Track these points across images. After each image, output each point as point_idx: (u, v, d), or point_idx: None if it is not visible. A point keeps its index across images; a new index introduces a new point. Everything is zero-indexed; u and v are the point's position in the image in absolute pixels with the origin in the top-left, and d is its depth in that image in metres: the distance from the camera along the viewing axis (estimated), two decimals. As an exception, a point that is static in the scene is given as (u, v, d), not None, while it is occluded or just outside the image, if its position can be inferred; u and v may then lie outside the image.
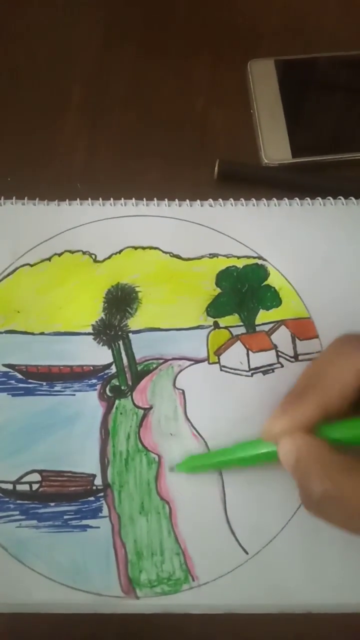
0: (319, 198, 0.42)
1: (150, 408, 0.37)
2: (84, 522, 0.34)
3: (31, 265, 0.40)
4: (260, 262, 0.41)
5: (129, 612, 0.33)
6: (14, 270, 0.40)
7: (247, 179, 0.44)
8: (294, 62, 0.48)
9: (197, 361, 0.38)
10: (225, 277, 0.40)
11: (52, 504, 0.35)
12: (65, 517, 0.34)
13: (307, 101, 0.47)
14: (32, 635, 0.34)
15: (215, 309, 0.39)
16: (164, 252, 0.41)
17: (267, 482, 0.35)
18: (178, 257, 0.41)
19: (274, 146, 0.44)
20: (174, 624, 0.33)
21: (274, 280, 0.40)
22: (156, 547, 0.34)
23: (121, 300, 0.40)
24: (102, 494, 0.35)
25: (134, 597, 0.33)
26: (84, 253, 0.41)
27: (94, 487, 0.35)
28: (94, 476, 0.35)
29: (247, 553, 0.34)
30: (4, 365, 0.37)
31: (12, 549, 0.33)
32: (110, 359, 0.38)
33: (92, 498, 0.35)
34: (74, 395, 0.37)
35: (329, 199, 0.42)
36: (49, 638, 0.33)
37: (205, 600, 0.33)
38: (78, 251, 0.41)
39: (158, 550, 0.34)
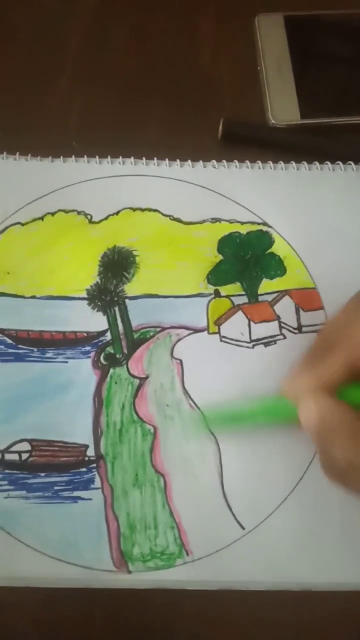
0: (328, 163, 0.40)
1: (146, 378, 0.35)
2: (75, 493, 0.33)
3: (22, 225, 0.38)
4: (264, 228, 0.39)
5: (120, 587, 0.32)
6: (4, 230, 0.38)
7: (252, 140, 0.42)
8: (304, 18, 0.45)
9: (196, 330, 0.36)
10: (227, 244, 0.38)
11: (42, 474, 0.33)
12: (56, 488, 0.33)
13: (318, 60, 0.44)
14: (20, 610, 0.33)
15: (217, 276, 0.38)
16: (163, 214, 0.39)
17: (266, 456, 0.33)
18: (178, 220, 0.39)
19: (282, 106, 0.42)
20: (167, 600, 0.33)
21: (278, 248, 0.38)
22: (150, 520, 0.33)
23: (117, 264, 0.38)
24: (94, 465, 0.33)
25: (126, 571, 0.32)
26: (79, 213, 0.38)
27: (86, 458, 0.33)
28: (87, 447, 0.34)
29: (243, 528, 0.32)
30: (-7, 329, 0.36)
31: (0, 520, 0.32)
32: (105, 326, 0.36)
33: (84, 469, 0.33)
34: (67, 362, 0.35)
35: (338, 164, 0.40)
36: (37, 613, 0.32)
37: (200, 576, 0.32)
38: (73, 211, 0.39)
39: (152, 523, 0.32)
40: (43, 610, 0.32)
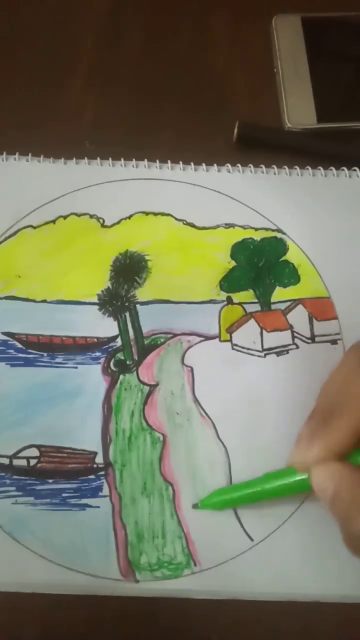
0: (345, 168, 0.40)
1: (157, 385, 0.35)
2: (84, 501, 0.33)
3: (34, 228, 0.38)
4: (279, 235, 0.38)
5: (127, 595, 0.32)
6: (16, 232, 0.37)
7: (268, 144, 0.41)
8: (322, 19, 0.44)
9: (207, 338, 0.36)
10: (241, 250, 0.38)
11: (51, 480, 0.33)
12: (64, 495, 0.33)
13: (335, 62, 0.43)
14: (27, 616, 0.32)
15: (229, 283, 0.37)
16: (176, 219, 0.38)
17: (276, 468, 0.33)
18: (192, 225, 0.38)
19: (298, 110, 0.41)
20: (176, 606, 0.32)
21: (292, 255, 0.38)
22: (158, 529, 0.32)
23: (129, 269, 0.37)
24: (103, 473, 0.33)
25: (133, 580, 0.31)
26: (91, 217, 0.38)
27: (95, 465, 0.33)
28: (95, 454, 0.33)
29: (252, 540, 0.32)
30: (3, 333, 0.35)
31: (7, 526, 0.32)
32: (115, 331, 0.36)
33: (92, 476, 0.33)
34: (76, 368, 0.35)
35: (355, 170, 0.40)
36: (44, 619, 0.32)
37: (207, 586, 0.32)
38: (85, 214, 0.38)
39: (160, 532, 0.32)
40: (51, 615, 0.32)
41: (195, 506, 0.33)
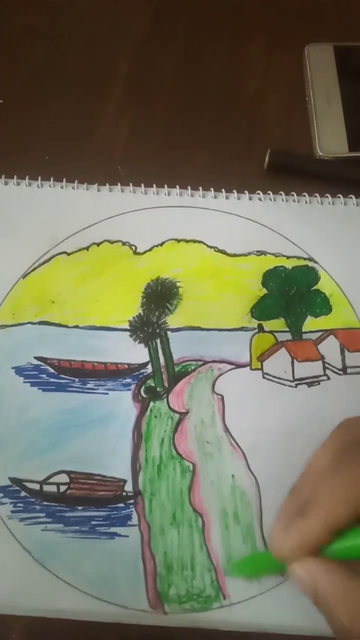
0: (377, 198, 0.40)
1: (187, 413, 0.35)
2: (112, 529, 0.32)
3: (68, 254, 0.38)
4: (310, 264, 0.38)
5: (155, 625, 0.32)
6: (51, 258, 0.38)
7: (299, 172, 0.41)
8: (355, 48, 0.44)
9: (238, 366, 0.36)
10: (272, 278, 0.38)
11: (80, 507, 0.33)
12: (93, 522, 0.33)
13: (368, 91, 0.44)
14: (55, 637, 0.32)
15: (261, 310, 0.37)
16: (208, 246, 0.39)
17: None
18: (223, 252, 0.39)
19: (330, 138, 0.41)
20: (200, 633, 0.32)
21: (324, 285, 0.38)
22: (187, 561, 0.32)
23: (161, 296, 0.37)
24: (132, 501, 0.33)
25: (161, 612, 0.31)
26: (123, 244, 0.38)
27: (124, 493, 0.33)
28: (125, 481, 0.33)
29: (282, 574, 0.32)
30: (36, 358, 0.36)
31: (37, 553, 0.32)
32: (146, 358, 0.36)
33: (121, 504, 0.33)
34: (107, 394, 0.35)
35: (387, 200, 0.40)
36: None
37: (236, 620, 0.31)
38: (118, 241, 0.39)
39: (189, 564, 0.32)
40: (79, 635, 0.32)
41: (225, 573, 0.32)
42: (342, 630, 0.25)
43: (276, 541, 0.27)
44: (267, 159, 0.41)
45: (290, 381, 0.35)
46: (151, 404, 0.35)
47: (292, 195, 0.40)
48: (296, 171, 0.42)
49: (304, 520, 0.26)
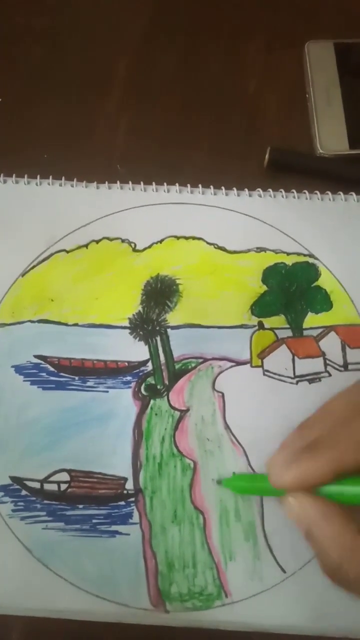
0: (378, 195, 0.40)
1: (187, 410, 0.35)
2: (113, 527, 0.32)
3: (67, 252, 0.38)
4: (311, 260, 0.38)
5: (157, 624, 0.31)
6: (50, 256, 0.38)
7: (299, 170, 0.41)
8: (355, 45, 0.44)
9: (238, 363, 0.36)
10: (272, 274, 0.38)
11: (81, 506, 0.33)
12: (94, 521, 0.33)
13: (368, 88, 0.43)
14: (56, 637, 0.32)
15: (261, 308, 0.37)
16: (208, 243, 0.39)
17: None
18: (223, 249, 0.38)
19: (330, 135, 0.41)
20: (203, 637, 0.32)
21: (325, 281, 0.37)
22: (188, 559, 0.32)
23: (160, 293, 0.37)
24: (133, 499, 0.33)
25: (163, 610, 0.31)
26: (122, 241, 0.38)
27: (125, 492, 0.33)
28: (125, 480, 0.33)
29: (284, 572, 0.32)
30: (35, 356, 0.35)
31: (37, 551, 0.32)
32: (146, 356, 0.36)
33: (122, 503, 0.33)
34: (107, 392, 0.35)
35: (388, 196, 0.39)
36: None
37: (238, 618, 0.31)
38: (117, 239, 0.38)
39: (190, 562, 0.32)
40: (80, 635, 0.32)
41: (218, 482, 0.33)
42: (330, 566, 0.26)
43: (277, 470, 0.28)
44: (267, 157, 0.41)
45: (291, 378, 0.35)
46: (152, 401, 0.35)
47: (292, 192, 0.40)
48: (296, 169, 0.41)
49: (312, 456, 0.27)
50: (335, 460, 0.27)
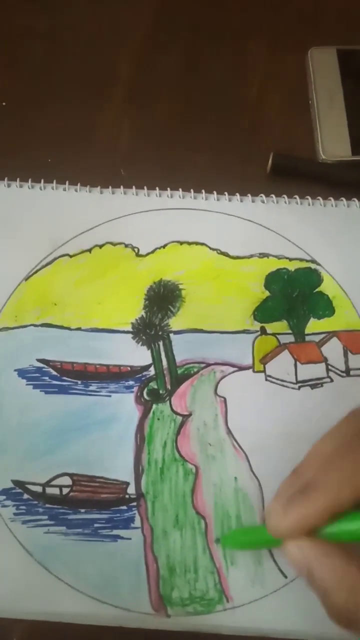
0: (380, 201, 0.40)
1: (189, 415, 0.35)
2: (115, 532, 0.32)
3: (70, 256, 0.38)
4: (313, 266, 0.38)
5: (158, 629, 0.31)
6: (53, 260, 0.38)
7: (302, 175, 0.41)
8: (358, 52, 0.44)
9: (241, 368, 0.36)
10: (275, 280, 0.38)
11: (82, 510, 0.33)
12: (96, 525, 0.33)
13: (371, 94, 0.44)
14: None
15: (263, 313, 0.37)
16: (211, 248, 0.39)
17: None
18: (226, 254, 0.39)
19: (333, 141, 0.41)
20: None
21: (327, 287, 0.38)
22: (190, 563, 0.32)
23: (163, 298, 0.37)
24: (135, 504, 0.33)
25: (164, 615, 0.31)
26: (126, 246, 0.38)
27: (127, 496, 0.33)
28: (127, 484, 0.33)
29: (285, 577, 0.32)
30: (38, 360, 0.36)
31: (39, 555, 0.32)
32: (149, 360, 0.36)
33: (124, 507, 0.33)
34: (110, 396, 0.35)
35: (390, 202, 0.40)
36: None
37: (239, 623, 0.31)
38: (120, 243, 0.39)
39: (192, 567, 0.32)
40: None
41: (217, 541, 0.32)
42: (337, 609, 0.26)
43: (274, 518, 0.27)
44: (270, 162, 0.41)
45: (293, 383, 0.35)
46: (154, 406, 0.35)
47: (295, 198, 0.40)
48: (299, 175, 0.42)
49: (306, 500, 0.26)
50: (329, 500, 0.26)
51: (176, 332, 0.37)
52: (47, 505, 0.33)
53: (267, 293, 0.38)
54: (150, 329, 0.37)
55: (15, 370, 0.35)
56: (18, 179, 0.40)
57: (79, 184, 0.40)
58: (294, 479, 0.28)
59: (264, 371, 0.36)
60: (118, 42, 0.47)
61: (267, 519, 0.28)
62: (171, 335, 0.37)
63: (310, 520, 0.26)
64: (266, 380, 0.35)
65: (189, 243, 0.39)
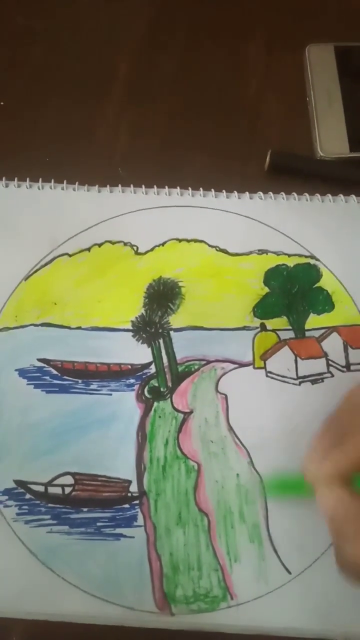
0: (378, 196, 0.40)
1: (191, 412, 0.35)
2: (118, 530, 0.32)
3: (70, 255, 0.38)
4: (312, 262, 0.38)
5: (162, 628, 0.31)
6: (52, 260, 0.38)
7: (300, 172, 0.41)
8: (355, 49, 0.44)
9: (241, 365, 0.36)
10: (274, 276, 0.38)
11: (85, 509, 0.33)
12: (99, 524, 0.32)
13: (368, 91, 0.44)
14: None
15: (263, 309, 0.37)
16: (209, 245, 0.39)
17: (314, 498, 0.32)
18: (225, 251, 0.38)
19: (331, 138, 0.41)
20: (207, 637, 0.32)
21: (326, 282, 0.38)
22: (193, 561, 0.32)
23: (163, 296, 0.37)
24: (137, 502, 0.33)
25: (168, 613, 0.31)
26: (125, 244, 0.38)
27: (129, 494, 0.33)
28: (130, 482, 0.33)
29: (289, 573, 0.32)
30: (39, 360, 0.36)
31: (42, 555, 0.32)
32: (149, 358, 0.36)
33: (126, 505, 0.33)
34: (111, 395, 0.35)
35: (388, 198, 0.40)
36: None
37: (244, 621, 0.31)
38: (119, 242, 0.38)
39: (195, 564, 0.32)
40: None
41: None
42: (350, 557, 0.27)
43: (313, 465, 0.29)
44: (268, 159, 0.41)
45: (294, 379, 0.35)
46: (155, 404, 0.35)
47: (293, 194, 0.40)
48: (297, 172, 0.42)
49: (340, 449, 0.28)
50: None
51: (176, 330, 0.37)
52: (50, 505, 0.33)
53: (267, 289, 0.38)
54: (151, 326, 0.37)
55: (16, 370, 0.35)
56: (16, 179, 0.40)
57: (77, 183, 0.40)
58: (328, 428, 0.29)
59: (264, 367, 0.36)
60: (116, 41, 0.47)
61: (306, 466, 0.29)
62: (171, 332, 0.36)
63: (348, 464, 0.27)
64: (267, 376, 0.35)
65: (188, 240, 0.39)
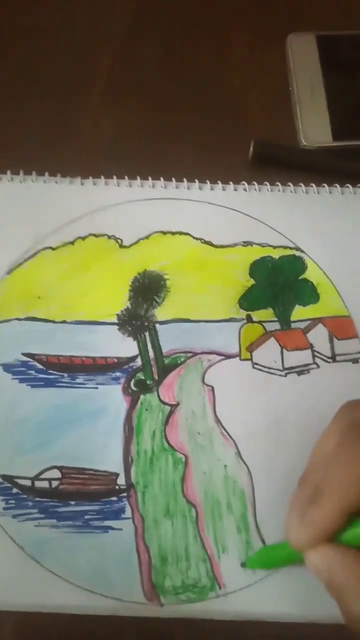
0: (362, 186, 0.40)
1: (177, 405, 0.35)
2: (106, 523, 0.32)
3: (53, 249, 0.38)
4: (297, 253, 0.38)
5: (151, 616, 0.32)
6: (35, 254, 0.37)
7: (284, 162, 0.41)
8: (337, 37, 0.44)
9: (228, 356, 0.36)
10: (259, 268, 0.38)
11: (73, 502, 0.33)
12: (86, 517, 0.33)
13: (351, 80, 0.44)
14: (44, 636, 0.32)
15: (249, 301, 0.37)
16: (194, 238, 0.39)
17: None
18: (209, 244, 0.38)
19: (314, 128, 0.42)
20: (198, 628, 0.32)
21: (311, 274, 0.38)
22: (181, 552, 0.32)
23: (148, 289, 0.37)
24: (125, 494, 0.33)
25: (157, 604, 0.31)
26: (109, 237, 0.38)
27: (117, 487, 0.33)
28: (117, 475, 0.33)
29: (277, 562, 0.32)
30: (24, 354, 0.35)
31: (30, 549, 0.32)
32: (135, 351, 0.36)
33: (114, 498, 0.33)
34: (97, 388, 0.35)
35: (372, 187, 0.40)
36: (67, 631, 0.32)
37: (232, 609, 0.31)
38: (103, 235, 0.38)
39: (183, 555, 0.32)
40: (73, 629, 0.32)
41: (242, 565, 0.32)
42: (354, 617, 0.26)
43: (293, 532, 0.27)
44: (251, 149, 0.41)
45: (280, 370, 0.35)
46: (141, 397, 0.35)
47: (277, 185, 0.40)
48: (281, 162, 0.42)
49: (318, 507, 0.26)
50: (338, 502, 0.26)
51: (162, 323, 0.37)
52: (37, 499, 0.33)
53: (252, 281, 0.38)
54: (136, 320, 0.37)
55: (0, 365, 0.35)
56: (-3, 172, 0.40)
57: (59, 175, 0.40)
58: (302, 488, 0.28)
59: (250, 359, 0.36)
60: (99, 35, 0.46)
61: (287, 535, 0.28)
62: (157, 325, 0.36)
63: (327, 525, 0.26)
64: (253, 368, 0.36)
65: (173, 233, 0.39)
